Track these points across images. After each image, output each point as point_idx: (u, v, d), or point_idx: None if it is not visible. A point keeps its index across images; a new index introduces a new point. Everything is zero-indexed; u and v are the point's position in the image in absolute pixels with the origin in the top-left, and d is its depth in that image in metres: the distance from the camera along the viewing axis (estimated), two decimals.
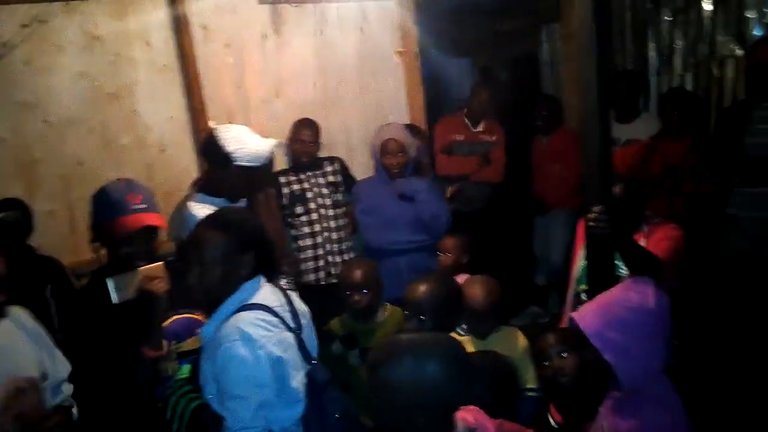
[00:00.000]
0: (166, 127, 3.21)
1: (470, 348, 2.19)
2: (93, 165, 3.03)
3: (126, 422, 1.74)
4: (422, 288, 2.07)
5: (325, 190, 3.28)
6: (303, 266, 3.20)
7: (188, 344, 1.86)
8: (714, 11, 3.77)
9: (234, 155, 2.16)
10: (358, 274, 2.44)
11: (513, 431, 1.56)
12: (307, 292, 3.26)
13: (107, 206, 1.82)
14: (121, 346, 1.70)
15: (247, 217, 1.75)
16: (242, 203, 2.28)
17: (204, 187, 2.24)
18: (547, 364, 1.83)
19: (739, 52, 3.63)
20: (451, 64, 5.29)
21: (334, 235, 3.25)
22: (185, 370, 1.77)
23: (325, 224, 3.23)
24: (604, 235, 1.87)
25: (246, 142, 2.19)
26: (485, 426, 1.46)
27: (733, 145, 3.10)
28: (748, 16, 3.55)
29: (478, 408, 1.47)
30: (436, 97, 4.41)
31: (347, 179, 3.39)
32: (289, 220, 3.21)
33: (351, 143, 3.73)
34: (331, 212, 3.26)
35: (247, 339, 1.56)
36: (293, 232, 3.22)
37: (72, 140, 2.99)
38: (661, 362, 1.67)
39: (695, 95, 3.84)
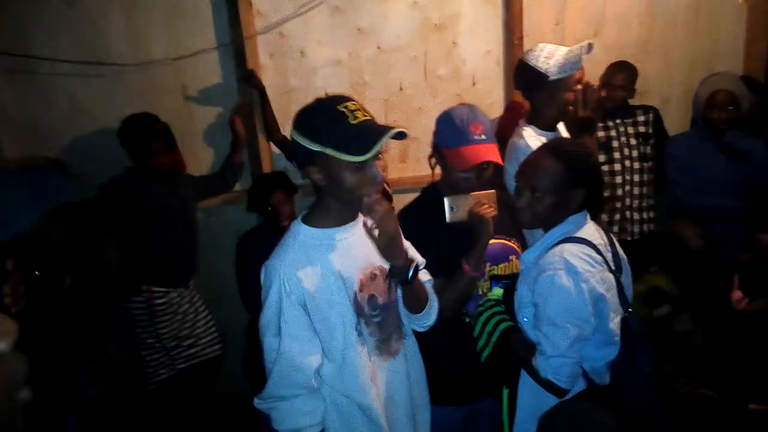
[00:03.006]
0: (481, 61, 3.27)
1: None
2: (411, 92, 3.25)
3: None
4: None
5: (633, 141, 3.05)
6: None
7: (500, 268, 1.91)
8: None
9: (547, 71, 2.09)
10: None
11: None
12: None
13: (450, 133, 1.83)
14: (447, 260, 1.79)
15: (587, 152, 1.68)
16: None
17: (531, 119, 2.22)
18: None
19: None
20: None
21: (636, 190, 3.03)
22: (497, 292, 1.82)
23: (627, 177, 3.03)
24: None
25: (554, 52, 2.10)
26: None
27: None
28: None
29: None
30: None
31: (659, 132, 3.10)
32: None
33: (668, 93, 3.40)
34: (636, 165, 3.04)
35: (572, 270, 1.53)
36: None
37: (397, 67, 3.22)
38: None
39: None
